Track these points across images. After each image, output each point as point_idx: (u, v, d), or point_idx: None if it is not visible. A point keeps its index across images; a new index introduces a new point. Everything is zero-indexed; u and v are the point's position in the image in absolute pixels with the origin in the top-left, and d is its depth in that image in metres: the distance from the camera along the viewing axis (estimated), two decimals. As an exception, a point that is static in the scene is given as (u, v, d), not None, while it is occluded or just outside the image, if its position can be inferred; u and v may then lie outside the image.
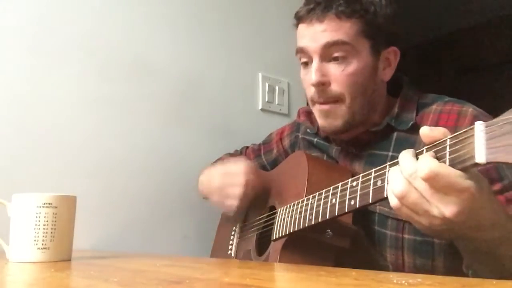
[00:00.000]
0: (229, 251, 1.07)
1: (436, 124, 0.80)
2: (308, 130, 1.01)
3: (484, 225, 0.56)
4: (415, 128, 0.81)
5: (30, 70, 1.09)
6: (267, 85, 1.53)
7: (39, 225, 0.69)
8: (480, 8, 2.98)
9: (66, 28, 1.15)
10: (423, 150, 0.54)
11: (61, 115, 1.12)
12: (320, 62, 0.82)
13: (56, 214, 0.70)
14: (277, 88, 1.56)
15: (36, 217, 0.69)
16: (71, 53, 1.15)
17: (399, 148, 0.82)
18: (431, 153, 0.53)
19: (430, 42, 3.32)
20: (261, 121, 1.51)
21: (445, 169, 0.50)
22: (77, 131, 1.14)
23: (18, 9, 1.09)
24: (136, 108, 1.24)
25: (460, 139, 0.50)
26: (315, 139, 0.98)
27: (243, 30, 1.51)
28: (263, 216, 0.97)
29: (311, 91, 0.85)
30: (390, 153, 0.84)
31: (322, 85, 0.82)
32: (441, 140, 0.52)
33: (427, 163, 0.51)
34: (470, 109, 0.79)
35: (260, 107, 1.52)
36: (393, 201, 0.55)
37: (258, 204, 1.00)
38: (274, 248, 0.85)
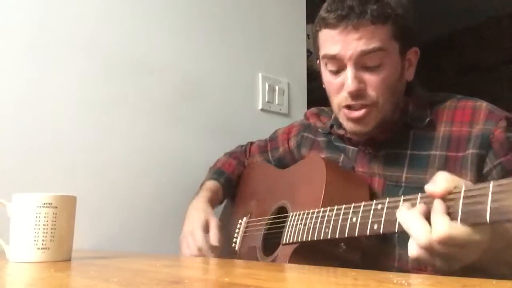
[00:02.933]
0: (233, 244, 1.07)
1: (452, 119, 0.81)
2: (320, 130, 1.01)
3: (495, 253, 0.59)
4: (431, 125, 0.83)
5: (31, 71, 1.09)
6: (267, 85, 1.53)
7: (39, 225, 0.69)
8: (480, 8, 2.98)
9: (67, 28, 1.15)
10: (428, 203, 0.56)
11: (62, 115, 1.12)
12: (355, 70, 0.80)
13: (56, 214, 0.70)
14: (277, 88, 1.56)
15: (36, 217, 0.69)
16: (71, 53, 1.15)
17: (417, 146, 0.83)
18: (442, 210, 0.53)
19: (430, 42, 3.32)
20: (261, 121, 1.51)
21: (458, 230, 0.52)
22: (77, 131, 1.14)
23: (19, 10, 1.08)
24: (136, 108, 1.24)
25: (504, 188, 0.47)
26: (331, 139, 0.98)
27: (243, 30, 1.51)
28: (272, 215, 0.97)
29: (340, 97, 0.84)
30: (409, 152, 0.84)
31: (359, 91, 0.81)
32: (484, 186, 0.50)
33: (441, 228, 0.52)
34: (484, 104, 0.80)
35: (260, 107, 1.52)
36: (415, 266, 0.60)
37: (266, 200, 1.00)
38: (283, 252, 0.85)
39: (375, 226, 0.63)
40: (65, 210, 0.72)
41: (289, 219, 0.86)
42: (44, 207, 0.70)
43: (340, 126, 0.95)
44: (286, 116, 1.58)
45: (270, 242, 0.95)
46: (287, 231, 0.84)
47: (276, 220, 0.94)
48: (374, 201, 0.65)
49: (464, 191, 0.52)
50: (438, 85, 3.05)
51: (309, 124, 1.08)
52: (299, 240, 0.79)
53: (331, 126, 0.97)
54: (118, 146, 1.20)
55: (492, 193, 0.48)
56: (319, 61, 0.92)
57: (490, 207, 0.48)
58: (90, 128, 1.16)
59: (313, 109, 1.10)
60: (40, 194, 0.71)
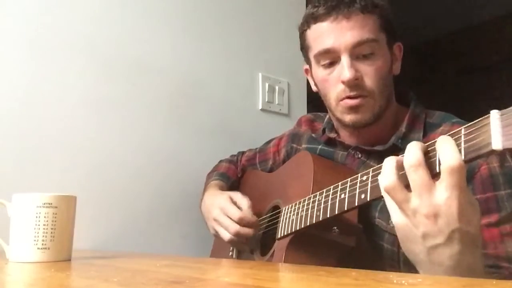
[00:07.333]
0: (231, 252, 1.07)
1: None
2: (313, 135, 1.00)
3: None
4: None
5: (31, 70, 1.09)
6: (267, 85, 1.54)
7: (39, 225, 0.69)
8: (480, 8, 2.98)
9: (67, 28, 1.15)
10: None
11: (62, 115, 1.12)
12: (350, 59, 0.81)
13: (56, 214, 0.70)
14: (277, 88, 1.56)
15: (36, 217, 0.69)
16: (71, 53, 1.15)
17: None
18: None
19: (430, 42, 3.32)
20: (261, 121, 1.51)
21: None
22: (77, 131, 1.14)
23: (19, 9, 1.09)
24: (136, 108, 1.24)
25: (475, 127, 0.50)
26: (319, 147, 0.97)
27: (243, 30, 1.51)
28: (266, 216, 0.97)
29: (337, 89, 0.84)
30: None
31: (355, 80, 0.81)
32: (456, 130, 0.53)
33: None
34: None
35: (260, 107, 1.52)
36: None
37: (260, 203, 1.00)
38: (279, 246, 0.85)
39: (362, 196, 0.64)
40: (65, 210, 0.72)
41: (282, 214, 0.86)
42: (44, 207, 0.70)
43: (331, 129, 0.95)
44: (286, 116, 1.58)
45: (267, 242, 0.95)
46: (281, 225, 0.84)
47: (270, 219, 0.94)
48: (360, 174, 0.65)
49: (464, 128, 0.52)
50: (438, 85, 3.06)
51: (297, 132, 1.07)
52: (293, 231, 0.79)
53: (324, 130, 0.96)
54: (118, 146, 1.20)
55: (464, 134, 0.50)
56: (309, 66, 0.92)
57: (464, 147, 0.50)
58: (90, 128, 1.16)
59: (309, 115, 1.09)
60: (40, 194, 0.71)
